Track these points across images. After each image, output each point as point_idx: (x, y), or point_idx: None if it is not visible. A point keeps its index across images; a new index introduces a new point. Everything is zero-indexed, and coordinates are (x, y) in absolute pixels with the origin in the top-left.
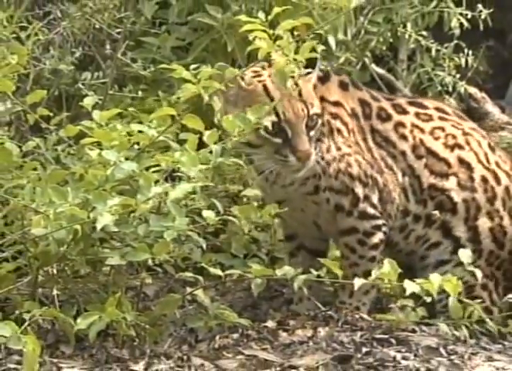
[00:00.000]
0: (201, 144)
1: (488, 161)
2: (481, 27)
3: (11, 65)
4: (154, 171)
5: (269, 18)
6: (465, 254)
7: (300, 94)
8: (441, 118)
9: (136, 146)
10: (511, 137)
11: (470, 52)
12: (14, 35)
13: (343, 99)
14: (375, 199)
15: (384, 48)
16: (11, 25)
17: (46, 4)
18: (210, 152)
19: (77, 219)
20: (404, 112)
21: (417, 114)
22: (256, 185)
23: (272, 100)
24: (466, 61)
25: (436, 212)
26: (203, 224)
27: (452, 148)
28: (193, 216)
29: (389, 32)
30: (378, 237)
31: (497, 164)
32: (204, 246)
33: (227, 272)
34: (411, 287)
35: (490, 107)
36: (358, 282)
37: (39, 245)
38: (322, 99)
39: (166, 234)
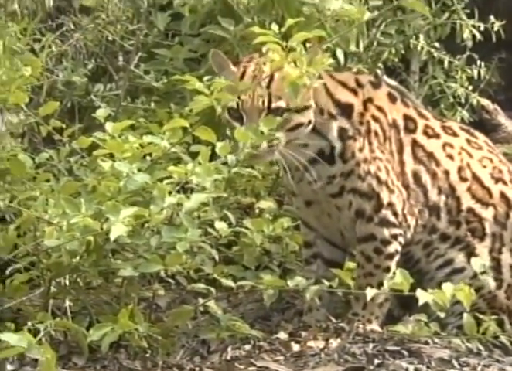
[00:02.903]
0: (212, 157)
1: None
2: (493, 39)
3: (24, 77)
4: (166, 183)
5: (282, 30)
6: (477, 263)
7: (269, 86)
8: (490, 151)
9: (148, 158)
10: None
11: (483, 64)
12: (28, 47)
13: (388, 108)
14: (399, 207)
15: (396, 59)
16: (25, 37)
17: (59, 15)
18: (223, 164)
19: (90, 230)
20: (455, 135)
21: (468, 141)
22: (285, 184)
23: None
24: (479, 73)
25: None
26: (216, 236)
27: (496, 180)
28: (206, 228)
29: (401, 43)
30: (394, 247)
31: None
32: (216, 257)
33: (239, 283)
34: (423, 297)
35: (503, 119)
36: (371, 292)
37: (52, 256)
38: (369, 100)
39: (179, 246)
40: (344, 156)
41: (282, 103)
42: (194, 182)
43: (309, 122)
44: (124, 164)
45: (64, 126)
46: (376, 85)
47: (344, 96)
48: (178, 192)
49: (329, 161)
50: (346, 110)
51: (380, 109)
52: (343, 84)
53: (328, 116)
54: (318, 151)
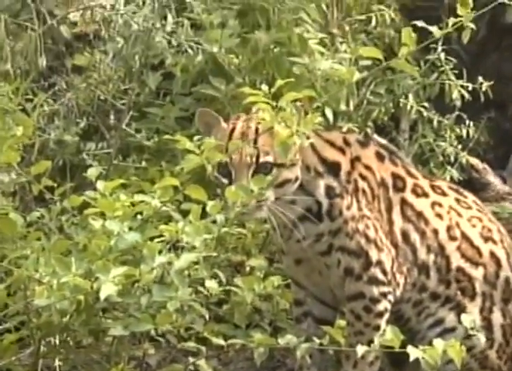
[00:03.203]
0: (203, 214)
1: None
2: (482, 99)
3: (16, 136)
4: (157, 242)
5: (272, 90)
6: (467, 319)
7: (255, 142)
8: (479, 210)
9: (139, 216)
10: None
11: (471, 124)
12: (20, 107)
13: (376, 167)
14: (388, 265)
15: (386, 118)
16: (18, 97)
17: (52, 75)
18: (213, 222)
19: (80, 289)
20: (444, 194)
21: (457, 200)
22: (274, 242)
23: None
24: (468, 132)
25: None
26: (206, 294)
27: (486, 239)
28: (196, 286)
29: (391, 102)
30: (384, 305)
31: None
32: (207, 316)
33: (230, 342)
34: (414, 353)
35: (492, 177)
36: (361, 349)
37: (42, 315)
38: (357, 159)
39: (169, 304)
40: (331, 214)
41: (270, 158)
42: (185, 240)
43: (296, 178)
44: (115, 222)
45: (55, 184)
46: (364, 144)
47: (331, 154)
48: (169, 250)
49: (316, 219)
50: (332, 168)
51: (367, 167)
52: (331, 143)
53: (315, 173)
54: (306, 208)
